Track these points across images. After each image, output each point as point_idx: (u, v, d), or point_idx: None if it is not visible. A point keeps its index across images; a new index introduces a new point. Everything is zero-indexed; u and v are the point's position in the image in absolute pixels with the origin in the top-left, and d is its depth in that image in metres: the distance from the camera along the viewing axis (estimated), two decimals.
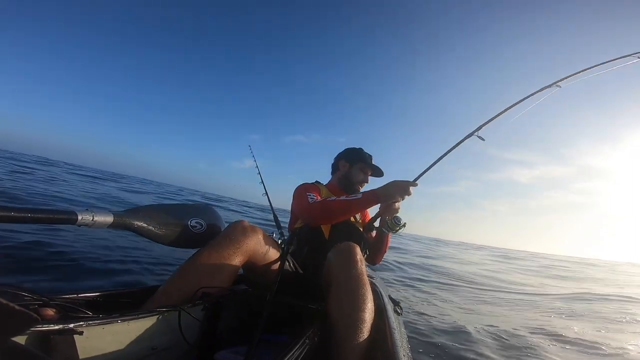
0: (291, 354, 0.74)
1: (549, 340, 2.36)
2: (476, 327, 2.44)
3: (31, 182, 6.90)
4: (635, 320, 3.31)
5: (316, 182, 1.77)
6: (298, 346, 0.78)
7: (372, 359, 0.91)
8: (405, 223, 1.46)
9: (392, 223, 1.46)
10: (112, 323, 0.74)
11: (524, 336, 2.37)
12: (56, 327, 0.63)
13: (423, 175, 1.52)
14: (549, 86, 1.57)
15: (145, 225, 1.01)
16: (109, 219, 0.87)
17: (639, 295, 5.06)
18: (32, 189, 5.61)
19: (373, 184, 1.74)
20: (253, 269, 1.13)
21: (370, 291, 0.99)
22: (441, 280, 4.97)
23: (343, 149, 1.82)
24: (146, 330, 0.81)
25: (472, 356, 1.89)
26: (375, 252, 1.67)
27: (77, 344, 0.66)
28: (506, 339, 2.26)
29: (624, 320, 3.26)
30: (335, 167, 1.82)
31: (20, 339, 0.58)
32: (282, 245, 1.26)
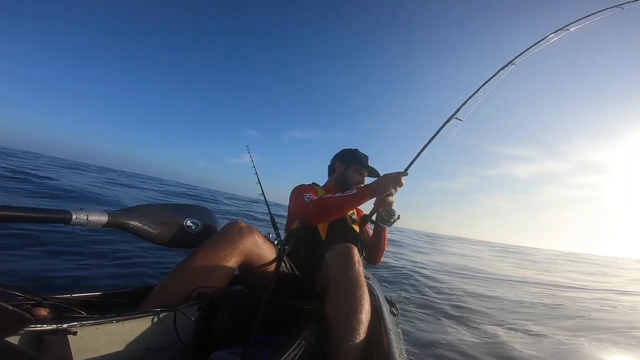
0: (287, 354, 0.73)
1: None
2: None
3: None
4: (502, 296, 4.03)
5: (313, 183, 1.79)
6: (294, 347, 0.78)
7: (367, 356, 0.91)
8: (399, 215, 1.49)
9: (386, 215, 1.48)
10: (107, 323, 0.73)
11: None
12: (49, 327, 0.62)
13: (413, 165, 1.55)
14: (507, 65, 1.67)
15: (140, 225, 1.01)
16: (104, 218, 0.87)
17: (553, 281, 6.20)
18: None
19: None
20: (249, 269, 1.13)
21: (367, 292, 1.00)
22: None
23: (339, 150, 1.84)
24: (141, 331, 0.81)
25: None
26: (374, 250, 1.67)
27: (70, 344, 0.65)
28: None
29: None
30: (331, 169, 1.83)
31: (14, 339, 0.57)
32: (279, 246, 1.26)
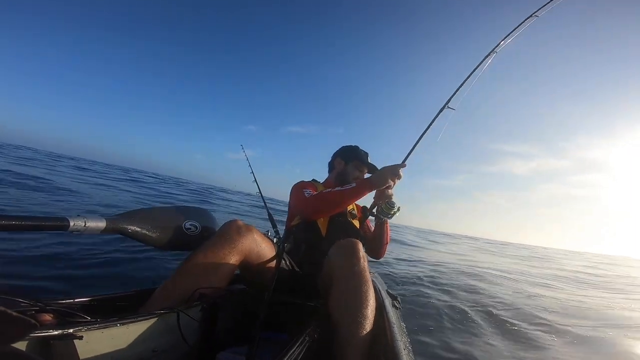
0: (292, 352, 0.74)
1: None
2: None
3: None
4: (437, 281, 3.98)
5: (313, 180, 1.79)
6: (298, 344, 0.79)
7: (373, 354, 0.92)
8: (399, 207, 1.51)
9: (386, 206, 1.50)
10: (111, 327, 0.73)
11: None
12: (56, 333, 0.63)
13: (410, 156, 1.57)
14: (489, 54, 1.73)
15: (139, 229, 1.01)
16: (102, 224, 0.87)
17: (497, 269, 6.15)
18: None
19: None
20: (249, 268, 1.13)
21: (372, 288, 1.00)
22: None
23: (339, 147, 1.84)
24: (145, 333, 0.81)
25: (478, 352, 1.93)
26: (377, 244, 1.68)
27: (77, 349, 0.65)
28: None
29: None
30: (331, 165, 1.84)
31: (21, 346, 0.57)
32: (278, 244, 1.27)
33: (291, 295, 1.09)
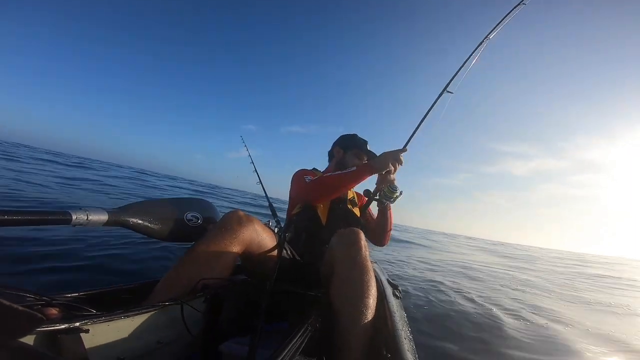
0: (294, 341, 0.75)
1: None
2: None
3: None
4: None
5: (314, 169, 1.80)
6: (300, 333, 0.80)
7: (374, 343, 0.93)
8: (401, 191, 1.52)
9: (389, 190, 1.51)
10: (117, 319, 0.74)
11: None
12: (63, 327, 0.63)
13: (411, 141, 1.60)
14: (482, 40, 1.83)
15: (141, 221, 1.01)
16: (104, 217, 0.87)
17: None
18: None
19: None
20: (250, 258, 1.14)
21: (374, 277, 1.00)
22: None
23: (339, 136, 1.84)
24: (150, 325, 0.82)
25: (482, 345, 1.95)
26: (380, 231, 1.68)
27: (84, 342, 0.66)
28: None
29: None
30: (331, 155, 1.85)
31: (28, 340, 0.58)
32: (279, 234, 1.27)
33: (292, 284, 1.10)
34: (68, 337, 0.63)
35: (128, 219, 0.97)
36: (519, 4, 1.88)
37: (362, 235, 1.06)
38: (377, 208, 1.67)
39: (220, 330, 0.98)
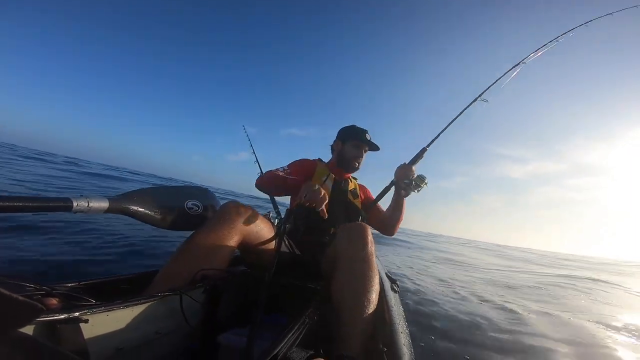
0: (292, 333, 0.75)
1: None
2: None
3: None
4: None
5: (319, 159, 1.79)
6: (298, 326, 0.80)
7: (372, 336, 0.94)
8: (427, 180, 1.54)
9: (418, 179, 1.52)
10: (116, 309, 0.75)
11: None
12: (62, 317, 0.63)
13: (435, 142, 1.68)
14: (518, 63, 1.90)
15: (141, 209, 1.00)
16: (105, 204, 0.86)
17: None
18: None
19: (371, 157, 1.80)
20: (248, 249, 1.14)
21: (378, 273, 1.00)
22: None
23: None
24: (149, 315, 0.83)
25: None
26: (392, 221, 1.67)
27: (83, 332, 0.66)
28: None
29: None
30: (332, 148, 1.84)
31: (27, 330, 0.58)
32: (279, 225, 1.27)
33: (291, 276, 1.10)
34: (67, 327, 0.63)
35: (129, 206, 0.96)
36: (561, 35, 2.00)
37: (369, 231, 1.05)
38: (393, 198, 1.64)
39: (219, 322, 0.98)
